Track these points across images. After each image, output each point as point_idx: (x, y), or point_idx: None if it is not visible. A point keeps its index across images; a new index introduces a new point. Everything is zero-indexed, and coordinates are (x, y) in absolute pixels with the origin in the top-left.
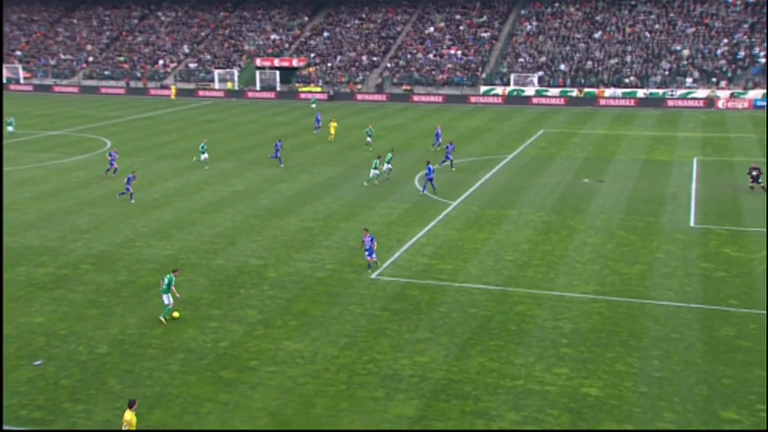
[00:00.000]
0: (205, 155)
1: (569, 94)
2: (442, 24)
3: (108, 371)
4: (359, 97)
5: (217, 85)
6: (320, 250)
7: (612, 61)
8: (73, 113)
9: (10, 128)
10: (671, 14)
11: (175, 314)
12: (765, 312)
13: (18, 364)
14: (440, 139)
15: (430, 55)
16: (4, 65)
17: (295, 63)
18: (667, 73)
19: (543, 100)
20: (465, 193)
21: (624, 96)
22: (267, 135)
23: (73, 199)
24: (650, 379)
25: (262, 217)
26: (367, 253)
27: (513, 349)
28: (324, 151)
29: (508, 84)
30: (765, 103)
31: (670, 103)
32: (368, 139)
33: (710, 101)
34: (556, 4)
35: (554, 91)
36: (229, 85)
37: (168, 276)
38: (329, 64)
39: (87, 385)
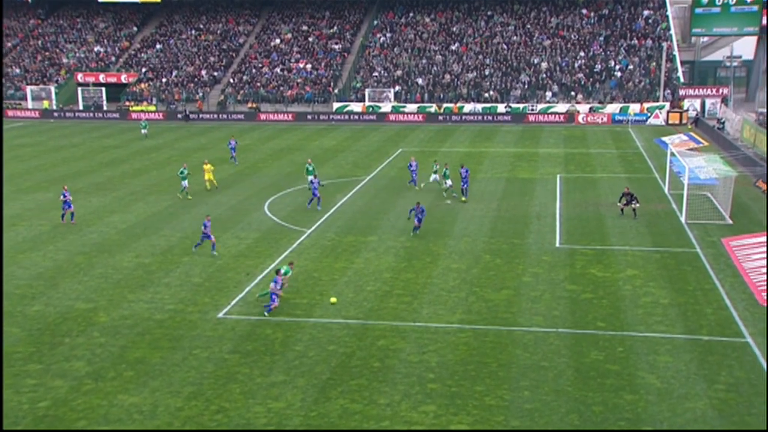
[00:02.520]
0: (185, 183)
1: (428, 109)
2: (289, 35)
3: None
4: (199, 115)
5: (30, 104)
6: (159, 289)
7: (470, 75)
8: None
9: None
10: (528, 26)
11: (333, 299)
12: (631, 334)
13: None
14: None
15: (277, 70)
16: None
17: (124, 79)
18: (526, 86)
19: (400, 117)
20: (320, 220)
21: (484, 111)
22: (94, 160)
23: None
24: (521, 411)
25: (90, 254)
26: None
27: (377, 388)
28: (161, 177)
29: (362, 100)
30: (623, 118)
31: (531, 117)
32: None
33: (570, 116)
34: (410, 14)
35: (412, 107)
36: (45, 103)
37: (285, 268)
38: (164, 80)
39: None
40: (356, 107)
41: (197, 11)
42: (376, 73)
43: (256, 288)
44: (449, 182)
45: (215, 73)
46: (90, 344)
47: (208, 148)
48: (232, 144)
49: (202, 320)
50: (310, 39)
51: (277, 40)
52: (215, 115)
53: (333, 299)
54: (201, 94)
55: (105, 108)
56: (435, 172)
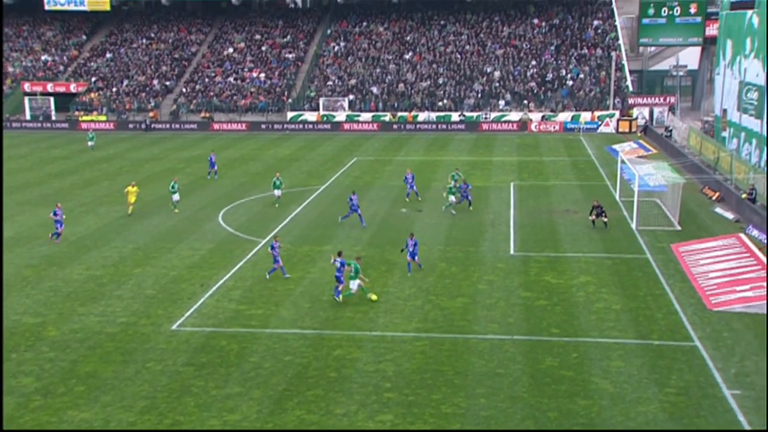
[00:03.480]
0: (176, 196)
1: (382, 118)
2: (242, 44)
3: None
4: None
5: None
6: (111, 302)
7: (424, 84)
8: None
9: None
10: (481, 35)
11: (373, 297)
12: (585, 339)
13: None
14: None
15: (231, 79)
16: None
17: (73, 88)
18: (480, 95)
19: (355, 126)
20: (275, 229)
21: (438, 120)
22: (42, 171)
23: None
24: (477, 419)
25: (39, 267)
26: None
27: (333, 398)
28: (111, 188)
29: (317, 109)
30: (575, 126)
31: (485, 126)
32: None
33: (523, 124)
34: (364, 23)
35: (366, 116)
36: None
37: (353, 263)
38: (114, 90)
39: None
40: (310, 116)
41: (148, 20)
42: (330, 82)
43: (211, 299)
44: (453, 198)
45: (167, 83)
46: (39, 359)
47: (160, 159)
48: (212, 159)
49: (155, 333)
50: (264, 48)
51: (230, 49)
52: (168, 125)
53: (374, 297)
54: (153, 103)
55: (54, 118)
56: (455, 180)
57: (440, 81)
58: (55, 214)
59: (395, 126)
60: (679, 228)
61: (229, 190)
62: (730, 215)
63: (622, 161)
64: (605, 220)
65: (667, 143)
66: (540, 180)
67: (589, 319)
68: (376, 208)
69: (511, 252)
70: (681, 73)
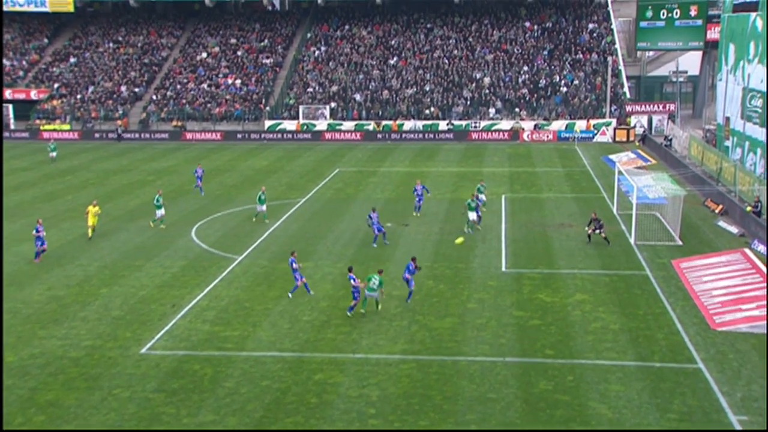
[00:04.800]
0: (161, 211)
1: (365, 127)
2: (217, 49)
3: None
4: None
5: None
6: (75, 324)
7: (410, 91)
8: None
9: None
10: (469, 39)
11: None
12: (581, 362)
13: None
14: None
15: (204, 86)
16: None
17: (34, 95)
18: (469, 103)
19: (337, 135)
20: (252, 245)
21: (425, 129)
22: None
23: None
24: None
25: None
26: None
27: (314, 425)
28: (77, 202)
29: (296, 117)
30: (569, 135)
31: (474, 135)
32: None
33: (515, 133)
34: (346, 27)
35: (349, 125)
36: None
37: (377, 278)
38: (79, 97)
39: None
40: (290, 125)
41: (115, 22)
42: (310, 89)
43: (183, 320)
44: (474, 215)
45: (136, 89)
46: None
47: (129, 170)
48: (199, 172)
49: (122, 357)
50: (239, 53)
51: (204, 54)
52: (137, 135)
53: (459, 239)
54: (122, 111)
55: (13, 127)
56: (480, 192)
57: (427, 88)
58: (36, 231)
59: (379, 135)
60: (680, 243)
61: (203, 203)
62: (734, 229)
63: (620, 172)
64: (604, 235)
65: (667, 153)
66: (533, 192)
67: (586, 340)
68: (359, 222)
69: (503, 269)
70: (681, 79)
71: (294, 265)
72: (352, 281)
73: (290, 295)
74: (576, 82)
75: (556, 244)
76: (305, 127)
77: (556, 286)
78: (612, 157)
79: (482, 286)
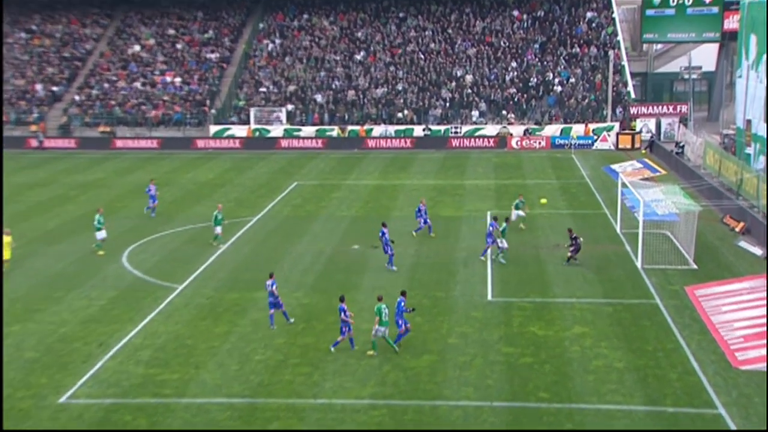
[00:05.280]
0: (103, 233)
1: (328, 133)
2: (152, 41)
3: None
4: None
5: None
6: None
7: (380, 91)
8: None
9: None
10: (449, 30)
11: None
12: (581, 406)
13: None
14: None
15: (137, 84)
16: None
17: None
18: (448, 105)
19: (295, 143)
20: (195, 272)
21: (398, 135)
22: None
23: None
24: None
25: None
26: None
27: None
28: None
29: (247, 122)
30: (565, 142)
31: (455, 142)
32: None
33: (502, 139)
34: (305, 16)
35: (309, 130)
36: None
37: (385, 306)
38: None
39: None
40: (239, 131)
41: (28, 8)
42: (263, 89)
43: (112, 362)
44: (504, 243)
45: (55, 88)
46: None
47: (47, 184)
48: (152, 190)
49: (37, 407)
50: (179, 46)
51: (137, 47)
52: (56, 142)
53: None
54: (37, 114)
55: None
56: (518, 208)
57: (399, 87)
58: None
59: (345, 143)
60: (695, 266)
61: (136, 223)
62: (757, 250)
63: (624, 185)
64: (570, 254)
65: (679, 162)
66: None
67: (586, 381)
68: (321, 244)
69: (489, 297)
70: (694, 76)
71: (272, 289)
72: (342, 314)
73: (273, 326)
74: (572, 80)
75: (550, 268)
76: (257, 133)
77: (550, 318)
78: (615, 167)
79: (465, 318)
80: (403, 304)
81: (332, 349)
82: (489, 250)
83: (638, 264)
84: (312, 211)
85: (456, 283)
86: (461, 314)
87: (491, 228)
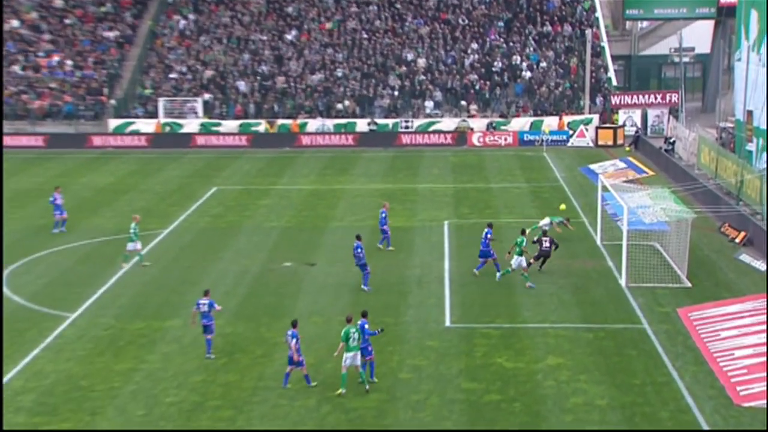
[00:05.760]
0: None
1: (254, 129)
2: (34, 14)
3: None
4: None
5: None
6: None
7: (316, 77)
8: None
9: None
10: (397, 5)
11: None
12: None
13: None
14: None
15: (16, 68)
16: None
17: None
18: (397, 94)
19: (213, 140)
20: (91, 298)
21: (338, 130)
22: None
23: None
24: None
25: None
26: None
27: None
28: None
29: (155, 115)
30: (535, 138)
31: (406, 139)
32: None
33: (461, 135)
34: None
35: (230, 125)
36: None
37: (354, 329)
38: None
39: None
40: (145, 126)
41: None
42: (174, 75)
43: None
44: (520, 260)
45: None
46: None
47: None
48: (57, 199)
49: None
50: (69, 21)
51: (15, 22)
52: None
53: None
54: None
55: None
56: (557, 224)
57: (339, 73)
58: None
59: (274, 140)
60: (688, 284)
61: (17, 238)
62: (761, 265)
63: (605, 188)
64: (533, 259)
65: (669, 161)
66: (487, 216)
67: (563, 421)
68: (246, 261)
69: (447, 323)
70: (686, 60)
71: (199, 308)
72: (289, 341)
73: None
74: (543, 64)
75: (519, 288)
76: (168, 128)
77: (520, 347)
78: (594, 167)
79: (419, 349)
80: (367, 326)
81: (284, 386)
82: (485, 265)
83: (622, 282)
84: (235, 221)
85: (408, 306)
86: (414, 344)
87: (486, 238)
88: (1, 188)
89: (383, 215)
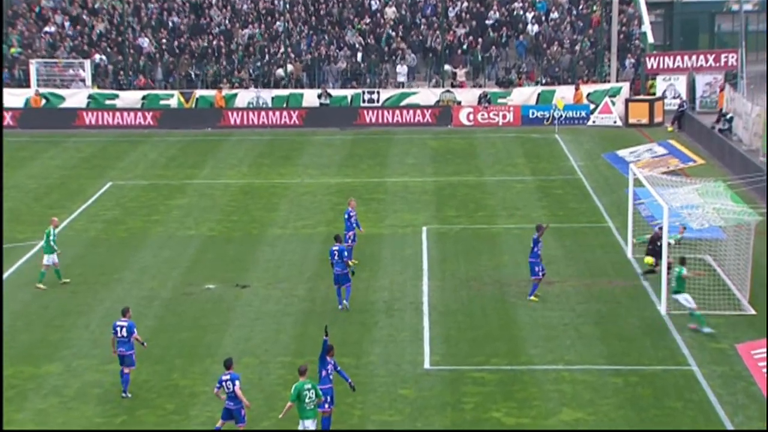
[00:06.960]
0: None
1: (163, 102)
2: None
3: None
4: None
5: None
6: None
7: (247, 32)
8: None
9: None
10: None
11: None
12: None
13: None
14: None
15: None
16: None
17: None
18: (359, 56)
19: (108, 118)
20: None
21: (278, 104)
22: None
23: None
24: None
25: None
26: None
27: None
28: None
29: (25, 83)
30: (544, 114)
31: (370, 116)
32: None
33: (444, 111)
34: None
35: (130, 97)
36: None
37: (310, 384)
38: None
39: None
40: (12, 98)
41: None
42: (50, 29)
43: None
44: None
45: None
46: None
47: None
48: None
49: None
50: None
51: None
52: None
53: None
54: None
55: None
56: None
57: (279, 27)
58: None
59: (191, 117)
60: (752, 311)
61: None
62: None
63: (637, 182)
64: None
65: (724, 144)
66: (479, 221)
67: None
68: (154, 283)
69: (426, 365)
70: (748, 7)
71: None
72: (227, 387)
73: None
74: (555, 14)
75: (523, 316)
76: (44, 101)
77: (524, 397)
78: (623, 153)
79: (389, 399)
80: (328, 360)
81: None
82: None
83: (662, 309)
84: (138, 229)
85: (373, 342)
86: (383, 392)
87: (536, 247)
88: (1, 184)
89: (350, 216)
